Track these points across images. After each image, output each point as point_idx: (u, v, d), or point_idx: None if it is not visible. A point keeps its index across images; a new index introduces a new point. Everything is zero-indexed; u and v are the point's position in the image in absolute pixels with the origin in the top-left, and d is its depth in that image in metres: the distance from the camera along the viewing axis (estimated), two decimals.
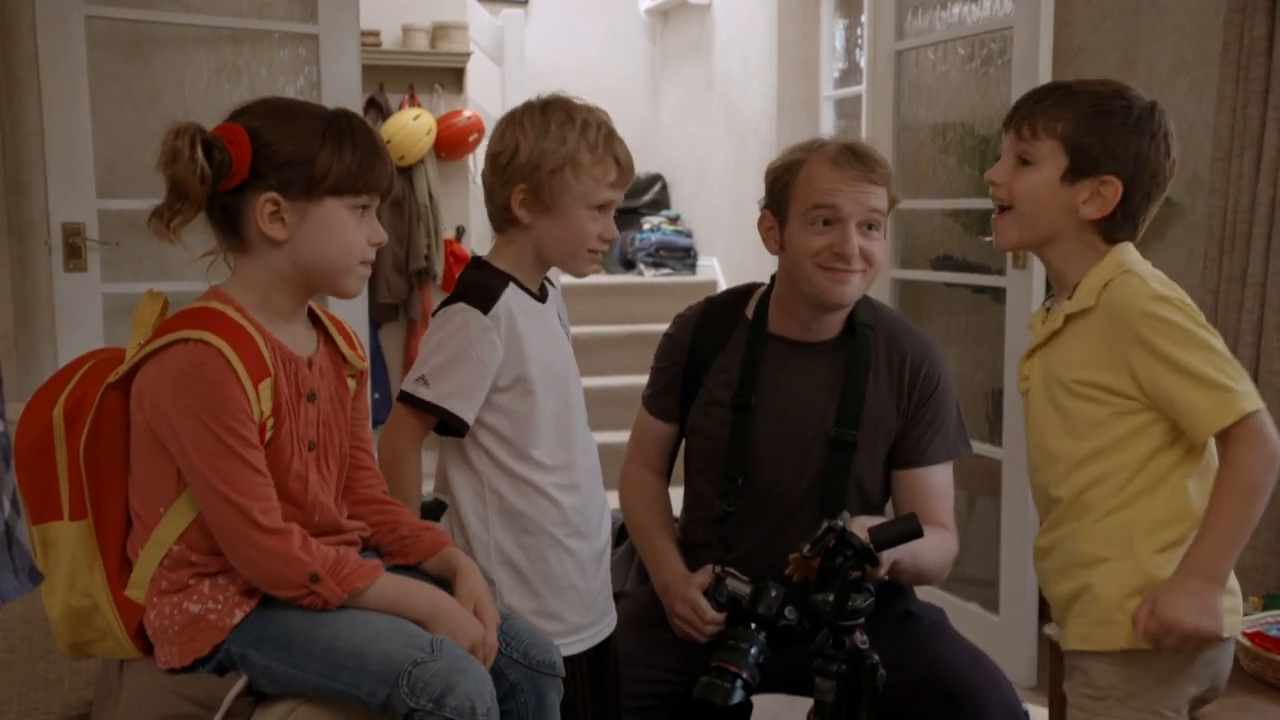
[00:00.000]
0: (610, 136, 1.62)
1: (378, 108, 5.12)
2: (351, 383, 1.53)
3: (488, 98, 5.62)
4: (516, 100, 5.89)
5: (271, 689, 1.37)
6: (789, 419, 1.87)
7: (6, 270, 2.75)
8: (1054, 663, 1.93)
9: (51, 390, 1.43)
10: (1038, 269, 2.76)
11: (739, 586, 1.73)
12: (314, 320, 1.51)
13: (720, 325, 1.96)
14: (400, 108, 5.29)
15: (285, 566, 1.34)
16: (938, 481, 1.91)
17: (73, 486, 1.40)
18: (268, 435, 1.38)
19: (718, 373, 1.92)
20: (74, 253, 2.70)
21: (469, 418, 1.57)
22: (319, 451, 1.46)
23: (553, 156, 1.58)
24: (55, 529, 1.41)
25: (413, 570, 1.51)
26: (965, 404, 3.22)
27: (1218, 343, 1.43)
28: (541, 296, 1.68)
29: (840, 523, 1.55)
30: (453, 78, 5.49)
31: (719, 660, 1.63)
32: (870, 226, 1.80)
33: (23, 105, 2.73)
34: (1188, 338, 1.42)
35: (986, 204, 3.02)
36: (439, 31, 5.37)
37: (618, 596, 1.84)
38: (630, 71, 6.57)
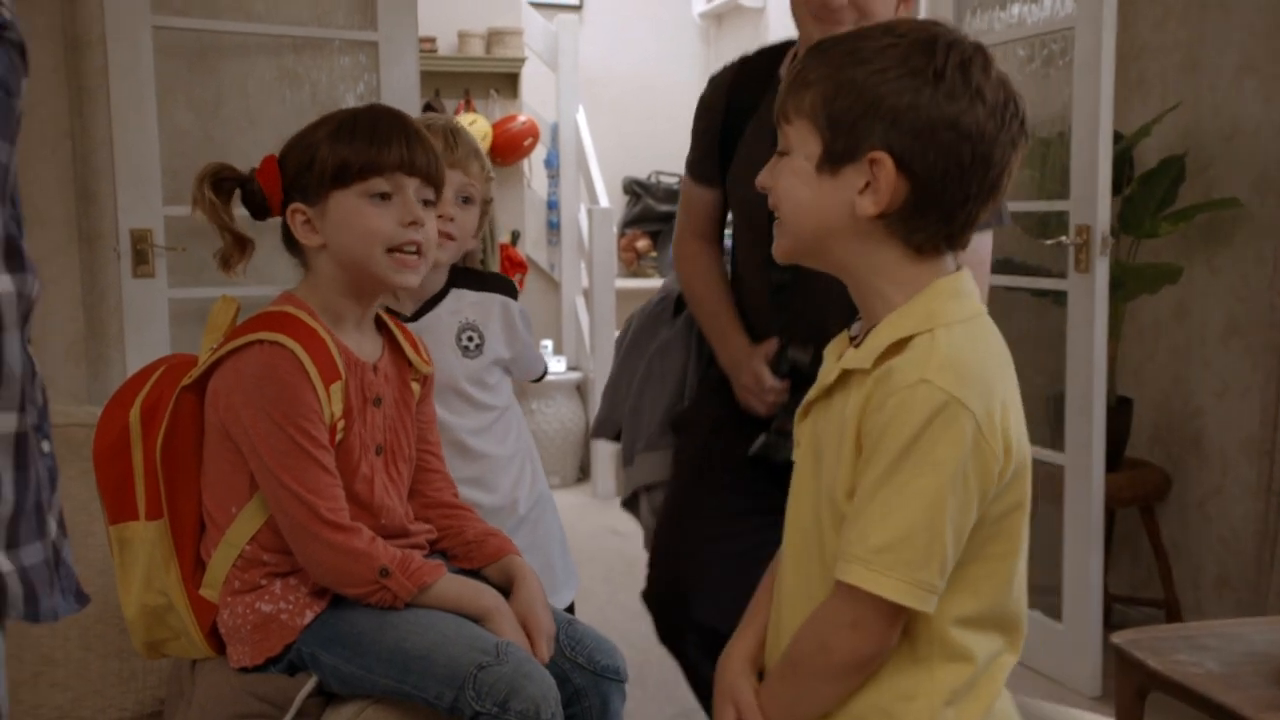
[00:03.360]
0: None
1: (434, 112, 5.17)
2: (416, 387, 1.54)
3: (542, 102, 5.65)
4: (570, 105, 5.93)
5: (341, 689, 1.39)
6: None
7: (77, 276, 2.81)
8: (1120, 672, 1.90)
9: (128, 393, 1.47)
10: (1101, 271, 2.73)
11: (799, 355, 1.78)
12: (380, 326, 1.53)
13: (754, 85, 1.94)
14: (456, 113, 5.33)
15: (354, 562, 1.36)
16: (970, 260, 1.89)
17: (149, 487, 1.43)
18: (338, 437, 1.41)
19: (753, 132, 1.91)
20: (141, 259, 2.74)
21: None
22: (386, 455, 1.48)
23: None
24: (131, 529, 1.44)
25: (475, 576, 1.52)
26: (1026, 408, 3.20)
27: (945, 489, 1.01)
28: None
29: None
30: (507, 83, 5.53)
31: (779, 423, 1.66)
32: None
33: (92, 115, 2.78)
34: (923, 469, 1.00)
35: (1047, 206, 3.01)
36: (494, 37, 5.41)
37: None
38: (683, 75, 6.58)
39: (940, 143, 1.02)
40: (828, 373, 1.12)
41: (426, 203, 1.44)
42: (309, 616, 1.39)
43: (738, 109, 1.92)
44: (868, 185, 1.04)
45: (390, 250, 1.41)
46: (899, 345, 1.04)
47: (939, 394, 1.00)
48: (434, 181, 1.45)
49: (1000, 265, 3.22)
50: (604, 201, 5.35)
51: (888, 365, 1.03)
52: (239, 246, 1.47)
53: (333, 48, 3.03)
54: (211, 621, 1.45)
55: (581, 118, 5.63)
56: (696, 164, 2.01)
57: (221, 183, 1.45)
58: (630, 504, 2.19)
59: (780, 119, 1.10)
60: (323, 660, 1.37)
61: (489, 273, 1.97)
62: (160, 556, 1.44)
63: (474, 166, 1.81)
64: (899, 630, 1.06)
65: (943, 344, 1.03)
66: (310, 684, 1.38)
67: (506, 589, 1.50)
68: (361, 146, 1.41)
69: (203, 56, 2.91)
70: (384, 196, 1.41)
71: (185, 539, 1.45)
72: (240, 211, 1.47)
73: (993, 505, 1.05)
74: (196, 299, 2.80)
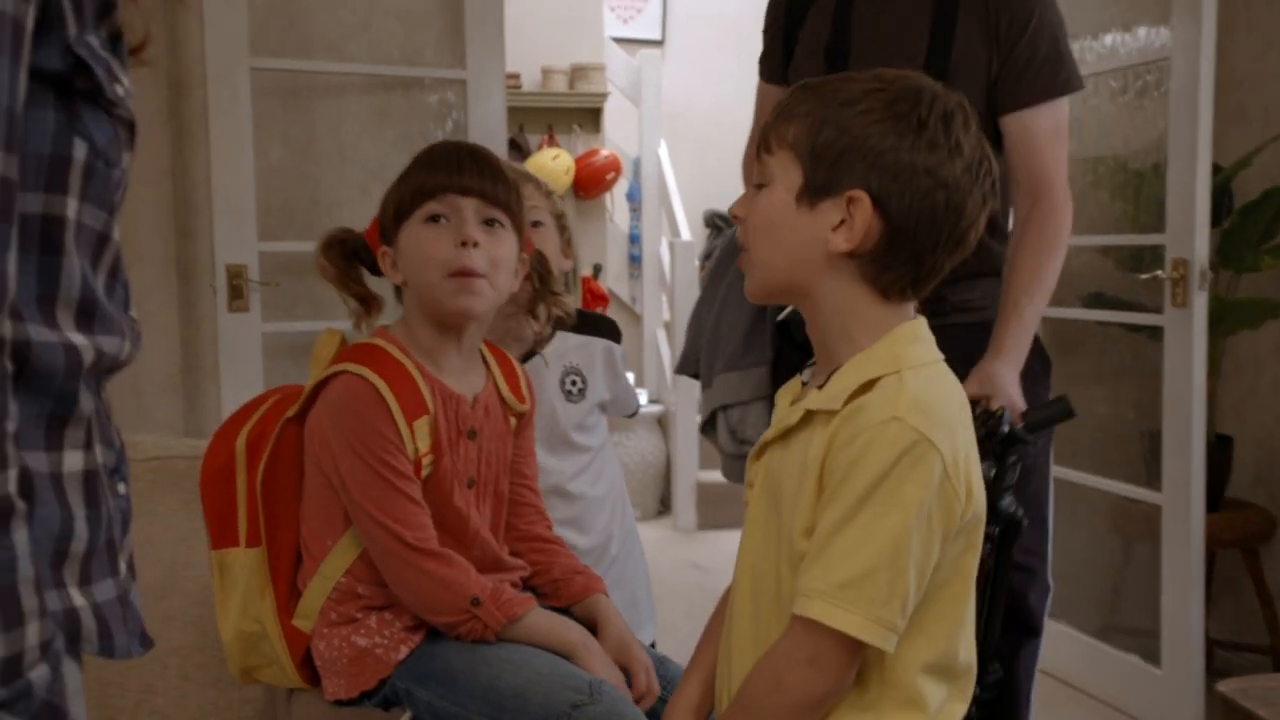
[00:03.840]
0: None
1: (517, 148, 5.23)
2: (513, 420, 1.55)
3: (625, 136, 5.69)
4: (653, 138, 5.95)
5: None
6: (879, 62, 1.86)
7: (175, 311, 2.88)
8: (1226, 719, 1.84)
9: (236, 422, 1.50)
10: (1199, 305, 2.66)
11: None
12: (485, 359, 1.55)
13: None
14: (539, 148, 5.39)
15: (446, 589, 1.37)
16: (1042, 126, 1.84)
17: (250, 515, 1.46)
18: (425, 472, 1.41)
19: (812, 20, 1.92)
20: (237, 293, 2.81)
21: None
22: (478, 488, 1.48)
23: None
24: (232, 555, 1.47)
25: (561, 613, 1.52)
26: (1119, 445, 3.13)
27: (910, 527, 1.00)
28: None
29: (1005, 427, 1.62)
30: (590, 118, 5.58)
31: None
32: None
33: (192, 155, 2.86)
34: (889, 507, 1.00)
35: (1141, 240, 2.94)
36: (577, 73, 5.47)
37: None
38: None
39: (916, 188, 1.04)
40: (787, 414, 1.11)
41: (490, 222, 1.42)
42: (404, 652, 1.40)
43: (798, 1, 1.97)
44: (842, 222, 1.05)
45: (450, 275, 1.40)
46: (865, 387, 1.04)
47: (909, 432, 1.00)
48: (496, 200, 1.42)
49: (1092, 300, 3.16)
50: (685, 234, 5.36)
51: (857, 403, 1.03)
52: (365, 305, 1.50)
53: (422, 85, 3.08)
54: (303, 651, 1.46)
55: (664, 151, 5.66)
56: (762, 62, 2.05)
57: (337, 246, 1.49)
58: (708, 428, 2.20)
59: (762, 149, 1.11)
60: (418, 696, 1.38)
61: (593, 314, 1.98)
62: (256, 584, 1.46)
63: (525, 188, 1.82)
64: (855, 670, 1.04)
65: (910, 385, 1.03)
66: (405, 719, 1.38)
67: (591, 628, 1.49)
68: (415, 175, 1.44)
69: (296, 96, 2.98)
70: (439, 219, 1.41)
71: (281, 568, 1.47)
72: None
73: (950, 546, 1.05)
74: (289, 333, 2.86)
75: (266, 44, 2.83)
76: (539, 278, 1.60)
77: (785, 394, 1.17)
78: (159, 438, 1.91)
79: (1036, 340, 1.91)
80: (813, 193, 1.06)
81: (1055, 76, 1.85)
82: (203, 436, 2.64)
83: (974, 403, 1.66)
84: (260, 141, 2.85)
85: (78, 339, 0.70)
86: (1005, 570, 1.67)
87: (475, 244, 1.39)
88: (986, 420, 1.62)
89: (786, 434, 1.10)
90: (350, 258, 1.49)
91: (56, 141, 0.68)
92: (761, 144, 1.10)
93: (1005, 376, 1.77)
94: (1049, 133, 1.85)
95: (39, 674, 0.63)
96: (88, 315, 0.71)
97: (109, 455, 0.76)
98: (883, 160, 1.03)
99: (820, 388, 1.08)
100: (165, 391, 2.87)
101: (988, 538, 1.58)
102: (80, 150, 0.70)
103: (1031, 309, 1.82)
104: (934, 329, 1.12)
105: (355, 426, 1.37)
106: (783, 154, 1.08)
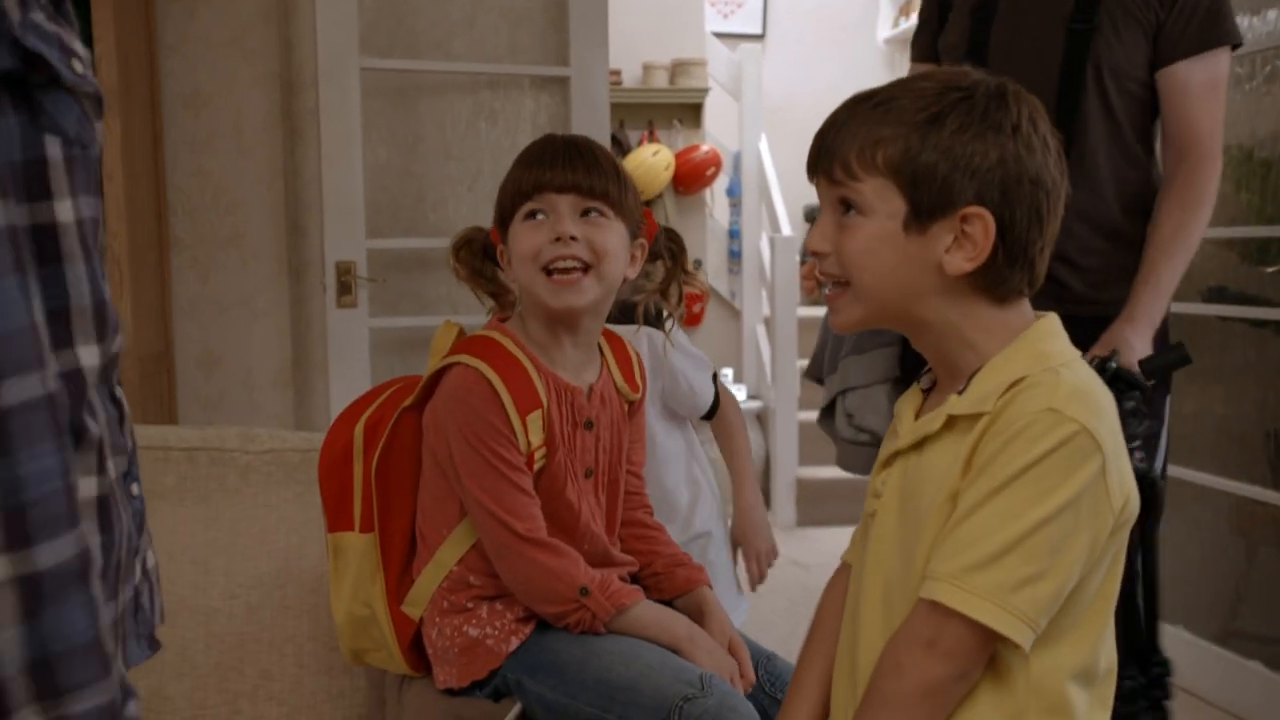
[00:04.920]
0: None
1: (618, 144, 5.25)
2: (627, 407, 1.55)
3: (725, 131, 5.67)
4: (753, 133, 5.91)
5: (545, 717, 1.40)
6: (1026, 10, 1.83)
7: (286, 308, 2.95)
8: None
9: (356, 409, 1.53)
10: None
11: None
12: (602, 348, 1.55)
13: None
14: (640, 144, 5.40)
15: (555, 579, 1.38)
16: (1197, 79, 1.79)
17: (364, 501, 1.48)
18: (538, 465, 1.42)
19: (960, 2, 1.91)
20: (345, 290, 2.86)
21: None
22: (595, 479, 1.49)
23: None
24: (346, 539, 1.50)
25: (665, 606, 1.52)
26: (1241, 444, 3.02)
27: (1070, 526, 0.96)
28: None
29: (1113, 363, 1.55)
30: (691, 113, 5.57)
31: None
32: None
33: (303, 154, 2.93)
34: (1037, 496, 0.95)
35: (1267, 232, 2.83)
36: (678, 68, 5.46)
37: None
38: None
39: (1023, 196, 1.01)
40: (926, 422, 1.05)
41: (588, 212, 1.41)
42: (514, 643, 1.41)
43: None
44: (955, 241, 1.01)
45: (547, 271, 1.40)
46: (1013, 387, 0.99)
47: (1070, 424, 0.96)
48: (592, 191, 1.41)
49: (1214, 294, 3.05)
50: (786, 230, 5.32)
51: (1008, 397, 0.99)
52: (499, 302, 1.53)
53: (526, 83, 3.11)
54: (410, 638, 1.48)
55: (764, 146, 5.62)
56: (914, 38, 2.04)
57: (467, 246, 1.52)
58: (825, 416, 2.17)
59: (842, 178, 1.04)
60: (528, 687, 1.39)
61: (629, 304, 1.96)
62: (368, 569, 1.49)
63: None
64: (983, 662, 0.99)
65: (1068, 379, 0.99)
66: (515, 710, 1.39)
67: (695, 620, 1.49)
68: (515, 173, 1.45)
69: (403, 94, 3.03)
70: (536, 215, 1.42)
71: (392, 555, 1.49)
72: None
73: (1108, 544, 1.00)
74: (395, 328, 2.90)
75: (375, 44, 2.87)
76: (671, 256, 1.58)
77: (907, 405, 1.12)
78: (274, 430, 1.95)
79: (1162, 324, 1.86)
80: (921, 217, 1.02)
81: (1215, 28, 1.80)
82: (312, 430, 2.70)
83: (1102, 361, 1.62)
84: (368, 140, 2.91)
85: (88, 355, 0.67)
86: (1153, 538, 1.63)
87: (572, 238, 1.39)
88: (1092, 363, 1.56)
89: (923, 442, 1.05)
90: (480, 256, 1.51)
91: (26, 145, 0.63)
92: (841, 171, 1.04)
93: (1133, 337, 1.73)
94: (1204, 86, 1.80)
95: (131, 709, 0.64)
96: (101, 318, 0.68)
97: (120, 462, 0.74)
98: (992, 176, 1.00)
99: (960, 393, 1.03)
100: (276, 386, 2.94)
101: None
102: (54, 147, 0.65)
103: (1170, 271, 1.78)
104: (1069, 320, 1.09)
105: (468, 417, 1.38)
106: (875, 181, 1.03)
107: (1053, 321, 1.06)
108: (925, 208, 1.01)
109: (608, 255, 1.41)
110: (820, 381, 2.29)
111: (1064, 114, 1.76)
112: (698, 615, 1.50)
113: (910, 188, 1.01)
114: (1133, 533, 1.30)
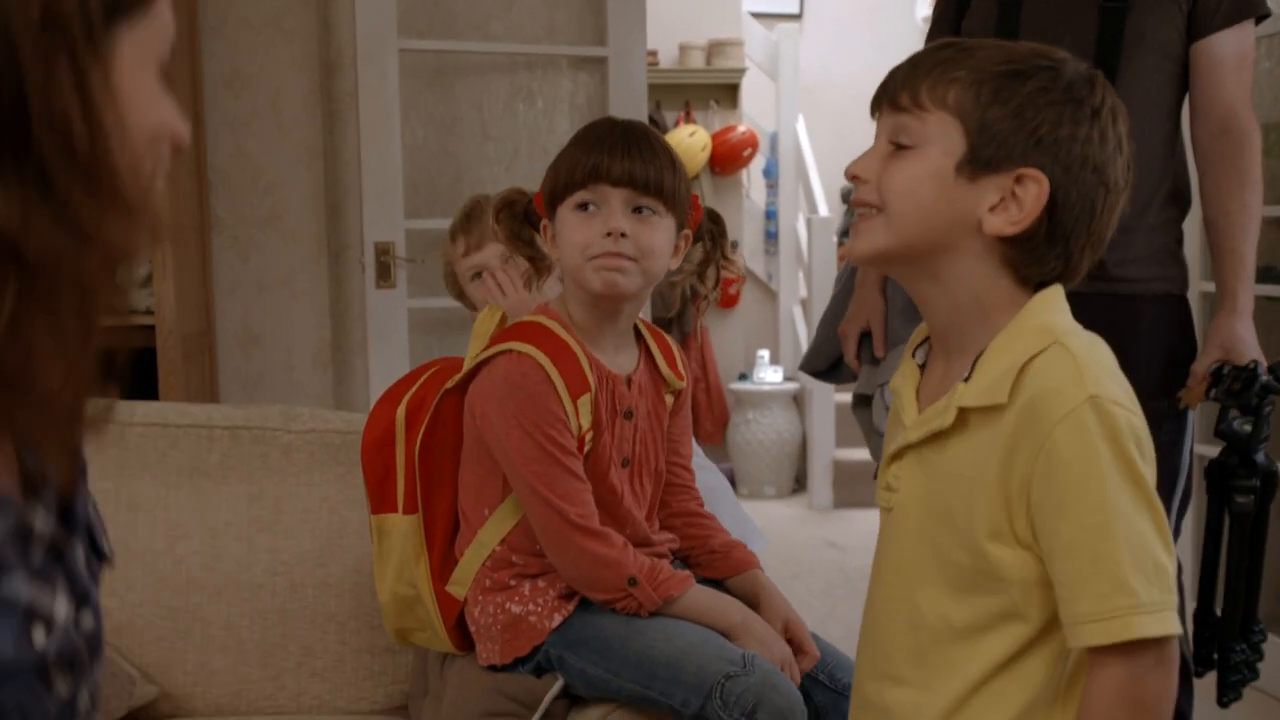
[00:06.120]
0: None
1: (655, 126, 5.24)
2: (669, 399, 1.55)
3: (762, 112, 5.64)
4: (790, 114, 5.87)
5: (587, 693, 1.41)
6: None
7: (325, 288, 2.97)
8: None
9: (397, 391, 1.54)
10: None
11: None
12: (639, 337, 1.54)
13: None
14: (676, 125, 5.38)
15: (605, 569, 1.38)
16: (1229, 51, 1.80)
17: (407, 483, 1.49)
18: (586, 448, 1.43)
19: None
20: (384, 271, 2.87)
21: None
22: (633, 468, 1.49)
23: None
24: (390, 520, 1.50)
25: (718, 586, 1.52)
26: None
27: (1155, 502, 0.95)
28: None
29: (1262, 375, 1.67)
30: (727, 93, 5.55)
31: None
32: None
33: (342, 135, 2.94)
34: (1120, 488, 0.93)
35: None
36: (715, 49, 5.44)
37: None
38: None
39: (1083, 181, 0.98)
40: (935, 417, 1.01)
41: (640, 209, 1.40)
42: (557, 620, 1.41)
43: None
44: (1001, 201, 0.98)
45: (593, 259, 1.40)
46: (1023, 370, 0.96)
47: (1100, 408, 0.93)
48: (646, 188, 1.39)
49: (1263, 274, 3.00)
50: (823, 210, 5.30)
51: (1029, 399, 0.95)
52: (535, 266, 1.52)
53: (564, 63, 3.10)
54: (455, 617, 1.49)
55: (801, 126, 5.59)
56: (930, 35, 2.03)
57: (508, 208, 1.50)
58: (860, 406, 2.15)
59: (908, 104, 1.00)
60: (570, 663, 1.39)
61: None
62: (412, 550, 1.50)
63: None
64: (1170, 655, 0.95)
65: (1079, 355, 0.96)
66: (557, 686, 1.40)
67: (749, 603, 1.49)
68: (571, 155, 1.42)
69: (440, 75, 3.04)
70: (588, 207, 1.40)
71: (436, 535, 1.50)
72: None
73: None
74: (433, 309, 2.92)
75: (413, 25, 2.88)
76: (711, 238, 1.55)
77: (905, 383, 1.08)
78: (315, 410, 1.96)
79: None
80: (977, 165, 0.98)
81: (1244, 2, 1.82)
82: (351, 410, 2.72)
83: (1220, 365, 1.70)
84: (406, 121, 2.91)
85: None
86: (1265, 526, 1.74)
87: (622, 234, 1.38)
88: (1239, 375, 1.66)
89: (938, 437, 1.02)
90: (520, 219, 1.50)
91: None
92: (910, 99, 1.00)
93: (1244, 331, 1.77)
94: (1236, 59, 1.82)
95: None
96: None
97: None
98: (1058, 147, 0.97)
99: (966, 380, 0.99)
100: (316, 366, 2.97)
101: (1248, 491, 1.69)
102: None
103: (1249, 247, 1.80)
104: (1080, 295, 1.06)
105: (524, 404, 1.38)
106: (942, 116, 0.99)
107: (1056, 293, 1.02)
108: (983, 157, 0.98)
109: (653, 254, 1.41)
110: (816, 374, 2.30)
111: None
112: (752, 597, 1.50)
113: (974, 132, 0.98)
114: (1247, 521, 1.44)
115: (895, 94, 1.02)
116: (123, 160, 0.65)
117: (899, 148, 1.01)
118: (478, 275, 1.76)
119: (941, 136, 0.99)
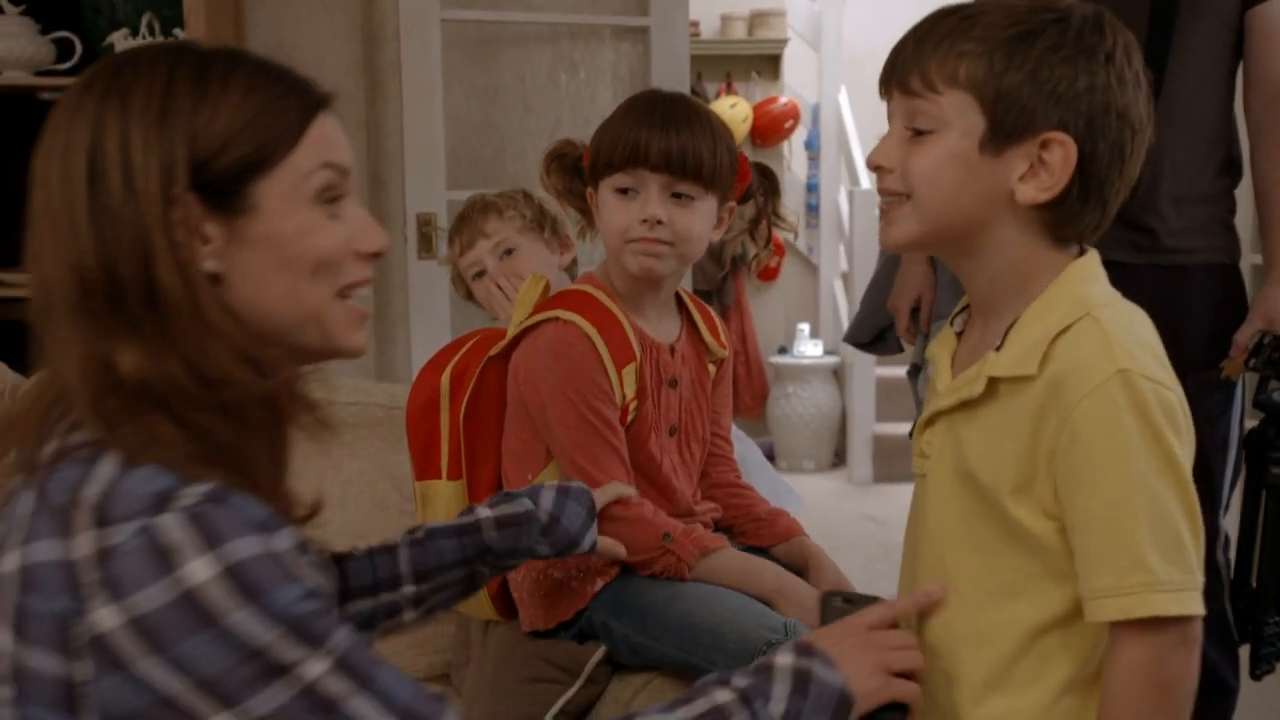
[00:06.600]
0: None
1: (696, 97, 5.21)
2: (712, 369, 1.55)
3: (804, 83, 5.60)
4: (833, 85, 5.80)
5: (629, 659, 1.41)
6: None
7: None
8: None
9: (442, 358, 1.55)
10: None
11: None
12: (681, 306, 1.54)
13: None
14: (717, 96, 5.35)
15: (640, 530, 1.38)
16: (1267, 22, 1.79)
17: (451, 449, 1.50)
18: (630, 417, 1.43)
19: None
20: (425, 241, 2.88)
21: None
22: (680, 436, 1.49)
23: None
24: (434, 487, 1.52)
25: (763, 554, 1.51)
26: None
27: (1185, 479, 0.93)
28: None
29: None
30: (769, 65, 5.51)
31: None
32: None
33: (384, 107, 2.94)
34: (1146, 464, 0.91)
35: None
36: (756, 19, 5.40)
37: None
38: None
39: (1108, 130, 0.95)
40: (966, 385, 1.00)
41: (678, 195, 1.39)
42: (599, 584, 1.42)
43: None
44: (1030, 168, 0.96)
45: (630, 242, 1.39)
46: (1054, 341, 0.95)
47: (1129, 382, 0.92)
48: (685, 174, 1.37)
49: None
50: (865, 183, 5.25)
51: (1056, 373, 0.94)
52: (587, 219, 1.51)
53: (605, 34, 3.09)
54: (499, 583, 1.50)
55: (843, 98, 5.54)
56: None
57: (558, 160, 1.50)
58: (914, 375, 2.14)
59: (919, 88, 0.98)
60: (613, 629, 1.40)
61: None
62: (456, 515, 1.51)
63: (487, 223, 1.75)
64: (1193, 637, 0.95)
65: (1111, 328, 0.94)
66: (600, 653, 1.41)
67: (795, 570, 1.48)
68: (613, 128, 1.40)
69: (482, 46, 3.03)
70: (627, 192, 1.39)
71: (480, 501, 1.50)
72: None
73: None
74: None
75: None
76: (764, 194, 1.52)
77: (941, 349, 1.08)
78: (358, 382, 1.98)
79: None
80: (1000, 138, 0.96)
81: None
82: (393, 380, 2.73)
83: (1262, 336, 1.69)
84: (448, 92, 2.91)
85: None
86: None
87: (659, 221, 1.37)
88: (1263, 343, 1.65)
89: (968, 405, 1.01)
90: (571, 172, 1.50)
91: None
92: (915, 77, 0.98)
93: None
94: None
95: None
96: None
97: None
98: (1079, 103, 0.94)
99: (998, 349, 0.98)
100: None
101: None
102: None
103: None
104: (1132, 267, 1.05)
105: (569, 373, 1.38)
106: (955, 95, 0.96)
107: (1091, 261, 1.01)
108: (1005, 128, 0.95)
109: (690, 239, 1.40)
110: (860, 346, 2.29)
111: (1154, 56, 1.72)
112: (801, 564, 1.49)
113: (992, 105, 0.95)
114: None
115: (904, 76, 0.99)
116: (258, 301, 0.84)
117: (917, 133, 0.99)
118: (480, 274, 1.76)
119: (959, 117, 0.97)
